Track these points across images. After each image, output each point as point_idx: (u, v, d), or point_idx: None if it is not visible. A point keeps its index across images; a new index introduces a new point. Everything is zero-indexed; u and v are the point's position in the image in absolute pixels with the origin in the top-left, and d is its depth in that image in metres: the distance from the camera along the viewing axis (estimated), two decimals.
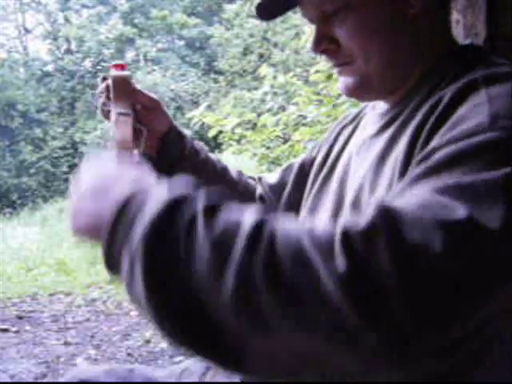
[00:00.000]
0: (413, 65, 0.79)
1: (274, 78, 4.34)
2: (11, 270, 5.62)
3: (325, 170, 0.95)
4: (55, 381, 3.07)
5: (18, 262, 5.98)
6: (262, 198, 1.08)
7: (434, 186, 0.56)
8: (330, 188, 0.90)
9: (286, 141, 3.91)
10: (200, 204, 0.55)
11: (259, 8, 0.85)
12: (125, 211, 0.57)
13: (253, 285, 0.49)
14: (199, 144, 1.08)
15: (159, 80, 14.84)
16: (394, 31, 0.77)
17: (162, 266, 0.53)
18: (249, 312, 0.50)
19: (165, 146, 1.02)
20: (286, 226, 0.53)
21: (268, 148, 3.92)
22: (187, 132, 1.08)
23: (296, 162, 1.08)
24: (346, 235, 0.51)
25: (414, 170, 0.61)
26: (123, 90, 0.96)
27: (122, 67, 1.00)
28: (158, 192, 0.57)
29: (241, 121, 3.96)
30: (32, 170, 14.85)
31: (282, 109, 4.47)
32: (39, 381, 3.06)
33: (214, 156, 1.09)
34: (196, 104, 11.20)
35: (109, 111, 0.96)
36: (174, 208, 0.55)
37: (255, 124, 4.03)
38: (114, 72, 0.98)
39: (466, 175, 0.56)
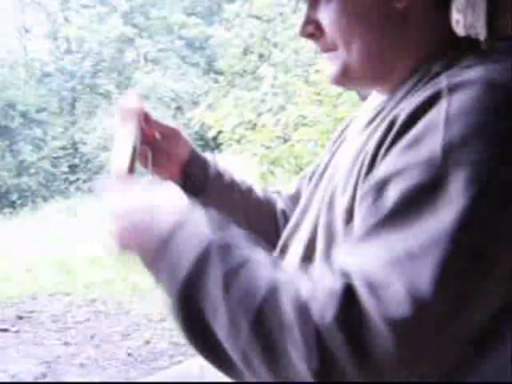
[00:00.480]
0: (400, 59, 0.77)
1: (274, 78, 4.35)
2: (11, 270, 5.62)
3: (321, 166, 0.94)
4: (55, 381, 3.07)
5: (18, 262, 5.97)
6: (284, 212, 1.07)
7: (383, 251, 0.60)
8: (320, 187, 0.89)
9: (285, 141, 3.91)
10: (219, 271, 0.64)
11: None
12: (167, 250, 0.68)
13: (242, 331, 0.61)
14: (222, 166, 1.07)
15: (159, 80, 14.84)
16: (379, 23, 0.76)
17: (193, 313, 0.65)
18: (234, 343, 0.62)
19: (188, 173, 1.01)
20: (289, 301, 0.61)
21: (268, 148, 3.91)
22: (209, 157, 1.06)
23: (310, 168, 1.08)
24: (318, 331, 0.58)
25: (367, 207, 0.64)
26: (130, 114, 0.93)
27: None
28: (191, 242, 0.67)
29: (241, 121, 3.96)
30: (32, 170, 14.84)
31: (282, 109, 4.47)
32: (39, 381, 3.06)
33: (238, 176, 1.08)
34: (196, 104, 11.19)
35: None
36: (201, 267, 0.65)
37: (255, 124, 4.03)
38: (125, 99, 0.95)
39: (410, 231, 0.59)
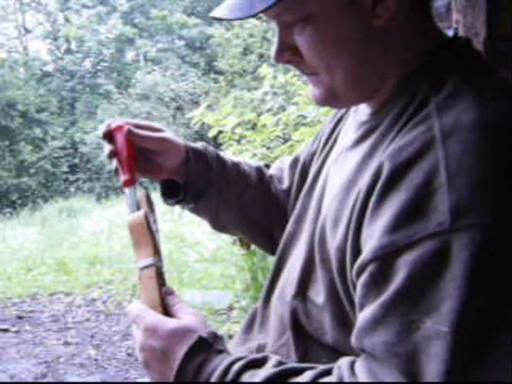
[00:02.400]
0: (386, 76, 0.75)
1: (274, 78, 4.34)
2: (11, 270, 5.62)
3: (314, 169, 0.94)
4: (55, 381, 3.07)
5: (18, 261, 5.97)
6: (272, 177, 1.10)
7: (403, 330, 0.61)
8: (313, 196, 0.88)
9: (286, 141, 3.90)
10: None
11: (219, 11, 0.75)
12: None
13: None
14: (217, 155, 1.04)
15: (159, 80, 14.83)
16: (359, 45, 0.72)
17: None
18: None
19: (187, 181, 0.99)
20: None
21: (268, 148, 3.91)
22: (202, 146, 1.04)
23: (300, 156, 1.07)
24: None
25: (375, 280, 0.64)
26: (140, 235, 0.86)
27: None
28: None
29: (241, 121, 3.95)
30: (32, 170, 14.84)
31: (282, 109, 4.47)
32: (39, 381, 3.07)
33: (231, 161, 1.06)
34: (196, 104, 11.20)
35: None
36: None
37: (255, 124, 4.03)
38: (129, 217, 0.87)
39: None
